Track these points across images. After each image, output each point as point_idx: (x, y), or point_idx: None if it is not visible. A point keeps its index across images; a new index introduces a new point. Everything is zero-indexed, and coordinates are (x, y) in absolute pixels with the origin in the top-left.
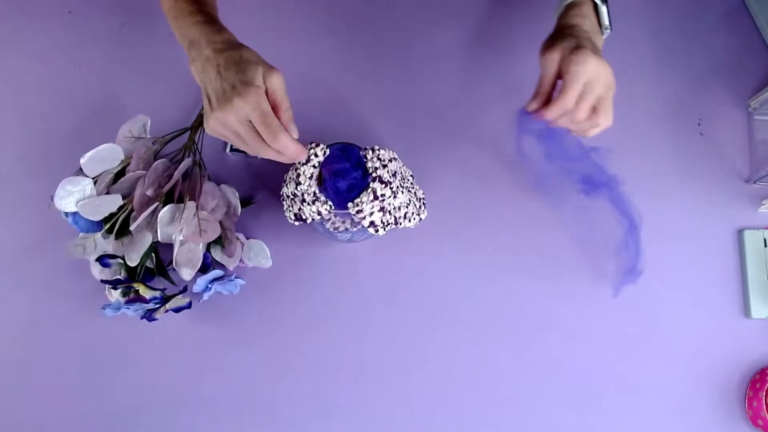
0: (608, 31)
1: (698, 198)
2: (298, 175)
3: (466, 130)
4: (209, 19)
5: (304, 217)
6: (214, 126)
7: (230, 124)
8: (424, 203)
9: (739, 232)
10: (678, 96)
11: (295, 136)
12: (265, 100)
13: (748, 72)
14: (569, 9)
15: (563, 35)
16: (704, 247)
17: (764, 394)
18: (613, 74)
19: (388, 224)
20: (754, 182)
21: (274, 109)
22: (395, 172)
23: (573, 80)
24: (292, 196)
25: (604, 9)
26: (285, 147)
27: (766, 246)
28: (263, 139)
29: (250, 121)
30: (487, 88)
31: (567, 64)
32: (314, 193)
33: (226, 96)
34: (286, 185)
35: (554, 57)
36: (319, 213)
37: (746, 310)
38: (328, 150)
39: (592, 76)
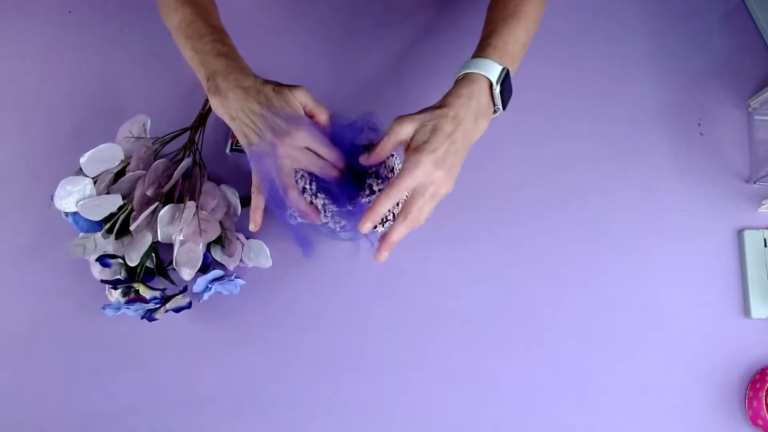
0: (500, 110)
1: (698, 198)
2: (296, 173)
3: None
4: (234, 54)
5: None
6: (283, 159)
7: (291, 156)
8: None
9: (739, 232)
10: (678, 96)
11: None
12: (311, 125)
13: (748, 72)
14: (462, 81)
15: (436, 107)
16: (704, 247)
17: (764, 394)
18: (449, 182)
19: (387, 221)
20: (754, 182)
21: (312, 116)
22: (393, 167)
23: (402, 178)
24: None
25: (497, 91)
26: (338, 161)
27: (766, 246)
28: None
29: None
30: None
31: (407, 155)
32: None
33: (279, 131)
34: None
35: (407, 131)
36: (324, 204)
37: (746, 310)
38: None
39: (421, 181)
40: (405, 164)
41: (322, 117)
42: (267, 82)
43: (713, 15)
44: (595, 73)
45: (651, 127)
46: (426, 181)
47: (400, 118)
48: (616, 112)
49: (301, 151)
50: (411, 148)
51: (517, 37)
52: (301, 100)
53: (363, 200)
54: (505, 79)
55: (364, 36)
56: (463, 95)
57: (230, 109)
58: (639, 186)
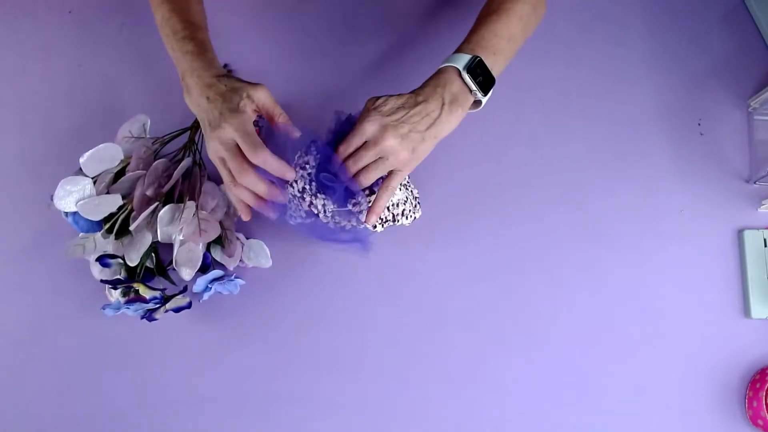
0: (480, 95)
1: (698, 198)
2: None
3: (463, 129)
4: (200, 49)
5: (316, 212)
6: (210, 152)
7: (217, 149)
8: (418, 202)
9: (739, 232)
10: (678, 96)
11: (297, 134)
12: (248, 121)
13: (748, 72)
14: (432, 75)
15: (399, 94)
16: (704, 247)
17: (764, 394)
18: (406, 155)
19: (386, 221)
20: (754, 182)
21: (270, 118)
22: None
23: (353, 132)
24: (299, 194)
25: (466, 76)
26: (265, 162)
27: (766, 246)
28: (245, 158)
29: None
30: None
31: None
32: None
33: (213, 124)
34: (291, 185)
35: (369, 106)
36: (324, 204)
37: (746, 310)
38: (319, 155)
39: (371, 138)
40: (356, 122)
41: (279, 119)
42: (224, 77)
43: (713, 15)
44: (595, 73)
45: (651, 127)
46: (373, 141)
47: (371, 98)
48: (616, 112)
49: (228, 148)
50: (365, 110)
51: (497, 31)
52: (258, 98)
53: (362, 200)
54: (478, 66)
55: (363, 34)
56: (429, 84)
57: (194, 104)
58: (639, 186)
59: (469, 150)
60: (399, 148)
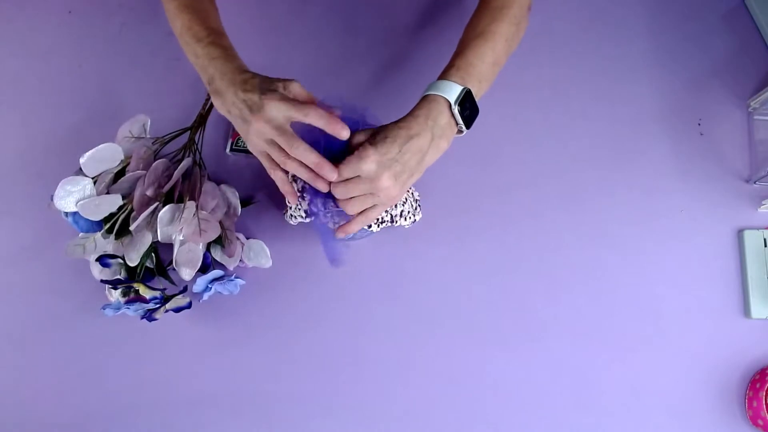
0: (465, 130)
1: (698, 198)
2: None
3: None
4: (228, 54)
5: (315, 210)
6: (253, 139)
7: (262, 131)
8: (419, 204)
9: (739, 232)
10: (678, 96)
11: (338, 113)
12: (289, 99)
13: (748, 72)
14: (422, 101)
15: (392, 123)
16: (704, 247)
17: (764, 394)
18: (395, 191)
19: (383, 222)
20: (754, 182)
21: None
22: None
23: (346, 164)
24: (299, 193)
25: (456, 110)
26: (319, 118)
27: (766, 246)
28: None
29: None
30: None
31: (357, 151)
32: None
33: (255, 108)
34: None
35: (361, 138)
36: (324, 203)
37: (746, 310)
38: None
39: (364, 176)
40: (352, 156)
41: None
42: (258, 75)
43: (713, 15)
44: (595, 73)
45: (651, 127)
46: (369, 179)
47: (357, 132)
48: (616, 112)
49: (275, 125)
50: (362, 146)
51: (484, 57)
52: (292, 89)
53: None
54: (467, 99)
55: (364, 36)
56: (420, 115)
57: (227, 105)
58: (639, 186)
59: (469, 150)
60: (391, 186)
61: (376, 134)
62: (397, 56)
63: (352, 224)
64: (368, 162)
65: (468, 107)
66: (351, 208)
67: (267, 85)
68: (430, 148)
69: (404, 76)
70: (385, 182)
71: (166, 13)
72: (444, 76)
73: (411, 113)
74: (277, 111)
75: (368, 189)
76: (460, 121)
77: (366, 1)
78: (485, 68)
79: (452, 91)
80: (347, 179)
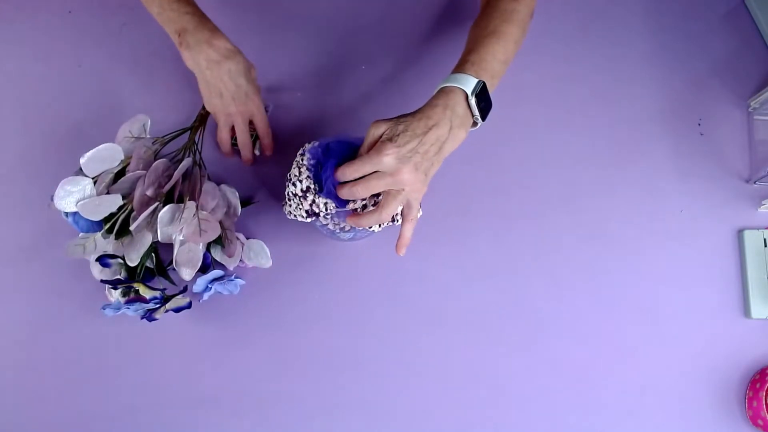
0: (480, 121)
1: (698, 198)
2: (300, 172)
3: None
4: (198, 12)
5: (317, 211)
6: (217, 106)
7: (231, 113)
8: (419, 204)
9: (739, 232)
10: (678, 96)
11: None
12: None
13: (748, 72)
14: (439, 93)
15: (411, 112)
16: (704, 247)
17: (764, 394)
18: (418, 184)
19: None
20: (754, 182)
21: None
22: None
23: (363, 161)
24: (301, 193)
25: (473, 101)
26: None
27: (766, 246)
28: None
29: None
30: None
31: (375, 146)
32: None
33: (237, 97)
34: (292, 184)
35: (381, 130)
36: (326, 204)
37: (746, 310)
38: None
39: (383, 171)
40: (371, 151)
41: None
42: (235, 48)
43: (713, 15)
44: (595, 73)
45: (651, 127)
46: (389, 173)
47: (377, 121)
48: (616, 112)
49: (244, 120)
50: (380, 140)
51: (495, 54)
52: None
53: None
54: (482, 92)
55: (364, 36)
56: (439, 105)
57: (199, 62)
58: (639, 186)
59: (469, 150)
60: (415, 179)
61: (396, 124)
62: (398, 56)
63: (405, 234)
64: (388, 156)
65: (483, 99)
66: (386, 213)
67: (249, 75)
68: (448, 138)
69: (404, 77)
70: (406, 175)
71: None
72: (459, 69)
73: (429, 104)
74: (254, 111)
75: (391, 184)
76: (476, 112)
77: (366, 1)
78: (497, 65)
79: (468, 83)
80: (368, 175)
